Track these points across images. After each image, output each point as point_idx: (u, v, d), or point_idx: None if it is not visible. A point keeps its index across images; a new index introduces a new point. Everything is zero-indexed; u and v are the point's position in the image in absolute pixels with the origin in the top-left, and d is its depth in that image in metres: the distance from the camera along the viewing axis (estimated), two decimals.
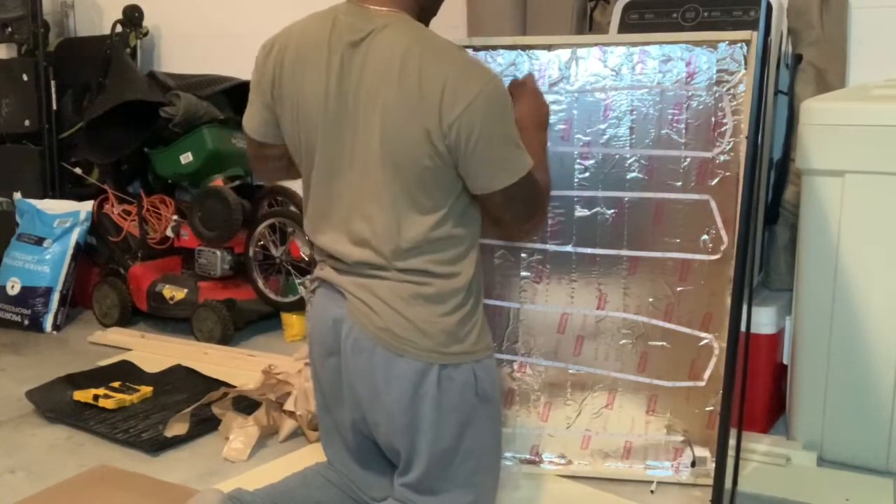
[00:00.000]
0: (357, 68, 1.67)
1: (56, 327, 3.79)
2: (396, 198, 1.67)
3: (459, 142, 1.61)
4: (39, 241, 3.87)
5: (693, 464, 2.30)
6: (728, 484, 2.00)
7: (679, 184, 2.28)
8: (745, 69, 2.22)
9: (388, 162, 1.66)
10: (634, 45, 2.28)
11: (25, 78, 4.09)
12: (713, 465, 2.08)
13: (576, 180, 2.33)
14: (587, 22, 3.11)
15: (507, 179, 1.67)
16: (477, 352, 1.76)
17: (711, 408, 2.31)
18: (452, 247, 1.72)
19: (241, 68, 3.93)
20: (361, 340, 1.73)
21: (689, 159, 2.28)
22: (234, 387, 2.74)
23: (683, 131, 2.28)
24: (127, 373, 3.12)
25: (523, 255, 2.37)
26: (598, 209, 2.32)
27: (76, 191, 4.16)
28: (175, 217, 3.84)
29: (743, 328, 1.98)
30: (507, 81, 2.30)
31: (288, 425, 2.59)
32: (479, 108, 1.60)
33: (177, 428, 2.57)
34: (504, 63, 2.32)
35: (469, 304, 1.75)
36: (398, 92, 1.62)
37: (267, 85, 1.81)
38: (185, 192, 3.90)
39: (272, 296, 3.64)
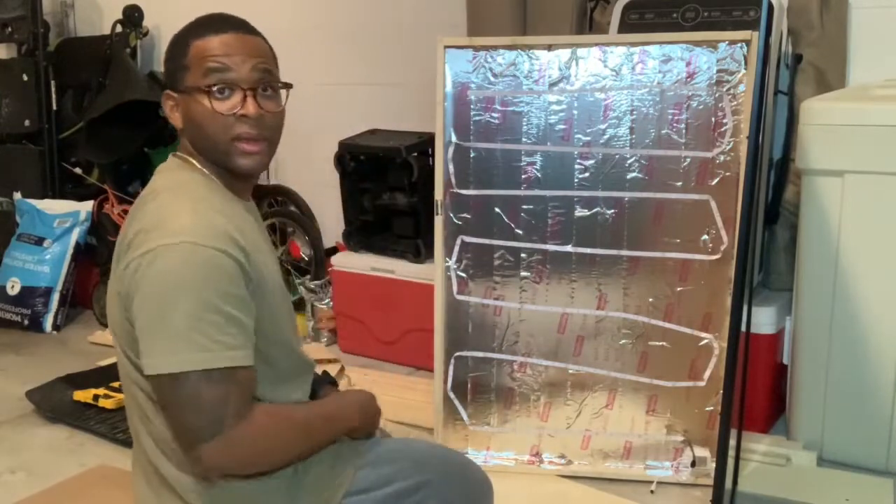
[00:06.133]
0: None
1: (56, 327, 3.79)
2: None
3: (129, 300, 1.32)
4: (39, 241, 3.86)
5: (693, 464, 2.30)
6: (728, 484, 1.99)
7: (679, 184, 2.29)
8: (745, 69, 2.22)
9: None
10: (634, 45, 2.28)
11: (25, 78, 4.09)
12: (713, 465, 2.09)
13: (576, 180, 2.33)
14: (587, 22, 3.10)
15: (150, 369, 1.29)
16: None
17: (711, 408, 2.31)
18: None
19: None
20: None
21: (689, 159, 2.28)
22: None
23: (683, 131, 2.28)
24: None
25: (523, 255, 2.37)
26: (598, 209, 2.32)
27: (76, 191, 4.16)
28: None
29: (743, 328, 1.98)
30: (506, 82, 2.34)
31: None
32: (153, 265, 1.27)
33: None
34: (504, 63, 2.33)
35: None
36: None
37: None
38: None
39: None
